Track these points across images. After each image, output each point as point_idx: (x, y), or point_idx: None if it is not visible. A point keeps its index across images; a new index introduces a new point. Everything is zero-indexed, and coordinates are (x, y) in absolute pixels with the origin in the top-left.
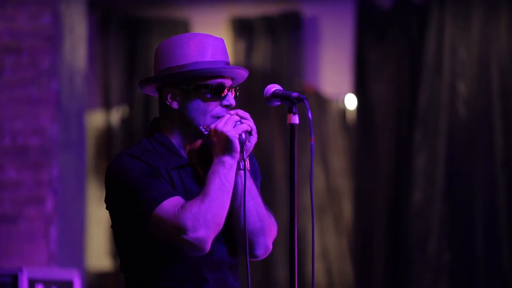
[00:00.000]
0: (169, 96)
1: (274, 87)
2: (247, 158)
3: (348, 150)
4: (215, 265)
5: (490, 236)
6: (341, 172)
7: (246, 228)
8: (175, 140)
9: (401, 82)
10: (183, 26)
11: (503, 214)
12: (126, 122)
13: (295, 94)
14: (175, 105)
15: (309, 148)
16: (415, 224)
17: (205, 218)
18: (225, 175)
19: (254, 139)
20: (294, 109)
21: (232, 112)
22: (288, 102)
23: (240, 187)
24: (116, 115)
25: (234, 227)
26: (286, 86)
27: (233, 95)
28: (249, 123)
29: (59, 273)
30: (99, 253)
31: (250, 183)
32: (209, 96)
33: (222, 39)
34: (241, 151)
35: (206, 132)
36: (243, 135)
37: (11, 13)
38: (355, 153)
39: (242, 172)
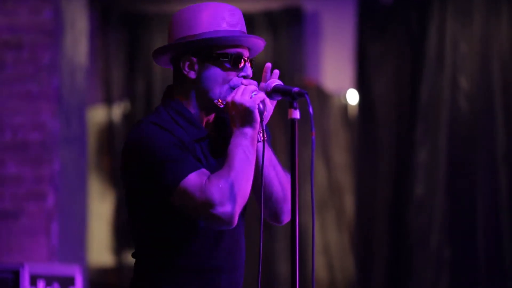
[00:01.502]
0: (187, 65)
1: (274, 82)
2: (265, 127)
3: (349, 145)
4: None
5: (492, 231)
6: (343, 167)
7: (268, 196)
8: (193, 111)
9: (403, 77)
10: None
11: (505, 209)
12: (127, 117)
13: (296, 89)
14: (192, 74)
15: (311, 143)
16: (416, 219)
17: (232, 192)
18: (248, 147)
19: (269, 107)
20: (295, 104)
21: (245, 82)
22: (289, 97)
23: (261, 157)
24: (117, 110)
25: (256, 198)
26: (287, 81)
27: (250, 65)
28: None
29: (60, 269)
30: (100, 248)
31: (270, 153)
32: (228, 65)
33: (239, 10)
34: (260, 122)
35: (222, 106)
36: (261, 105)
37: (11, 8)
38: (356, 148)
39: (261, 144)
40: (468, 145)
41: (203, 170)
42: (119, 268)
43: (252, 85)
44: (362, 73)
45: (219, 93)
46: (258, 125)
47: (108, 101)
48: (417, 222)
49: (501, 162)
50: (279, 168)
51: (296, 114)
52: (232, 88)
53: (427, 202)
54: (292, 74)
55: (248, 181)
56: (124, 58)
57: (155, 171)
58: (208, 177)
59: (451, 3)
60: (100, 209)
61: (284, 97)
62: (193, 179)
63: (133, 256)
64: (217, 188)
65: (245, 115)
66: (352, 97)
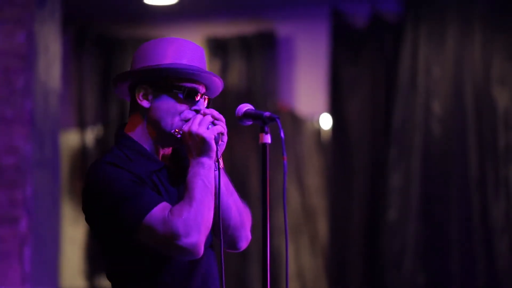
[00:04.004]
0: (141, 94)
1: (246, 107)
2: (220, 157)
3: (323, 169)
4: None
5: (466, 255)
6: (317, 191)
7: (226, 224)
8: (147, 144)
9: (376, 101)
10: None
11: (478, 232)
12: (100, 141)
13: (267, 114)
14: (145, 103)
15: (283, 167)
16: (390, 243)
17: (196, 222)
18: (206, 176)
19: (225, 138)
20: (266, 129)
21: (207, 111)
22: (260, 122)
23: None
24: (90, 135)
25: (214, 225)
26: (261, 105)
27: (205, 102)
28: (222, 125)
29: None
30: (73, 273)
31: (226, 180)
32: (181, 97)
33: (202, 48)
34: (216, 150)
35: (178, 136)
36: (217, 136)
37: None
38: (330, 172)
39: (217, 171)
40: (441, 169)
41: (164, 203)
42: None
43: (209, 116)
44: (335, 97)
45: (171, 124)
46: (214, 154)
47: (81, 125)
48: (390, 246)
49: (474, 186)
50: (235, 195)
51: (267, 139)
52: (184, 120)
53: (401, 226)
54: (266, 98)
55: (210, 210)
56: (97, 82)
57: (116, 211)
58: (170, 210)
59: (424, 27)
60: (73, 233)
61: (255, 121)
62: (155, 214)
63: (107, 277)
64: (180, 220)
65: (201, 145)
66: (326, 121)
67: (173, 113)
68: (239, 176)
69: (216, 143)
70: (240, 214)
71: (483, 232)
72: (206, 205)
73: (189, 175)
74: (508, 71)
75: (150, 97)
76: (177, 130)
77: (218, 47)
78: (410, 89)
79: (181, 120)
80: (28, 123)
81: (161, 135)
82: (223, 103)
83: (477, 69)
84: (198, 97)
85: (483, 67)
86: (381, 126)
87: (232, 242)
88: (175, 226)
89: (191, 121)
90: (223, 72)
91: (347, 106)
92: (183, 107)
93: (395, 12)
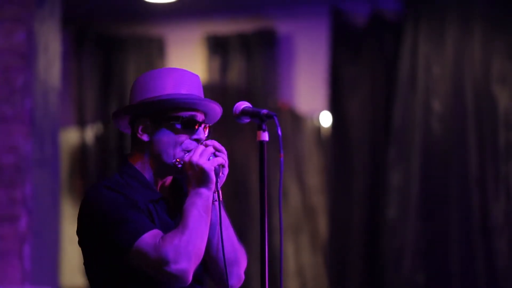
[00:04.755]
0: (140, 128)
1: (243, 105)
2: (220, 189)
3: (323, 167)
4: None
5: (465, 255)
6: (316, 189)
7: (218, 256)
8: (147, 174)
9: (376, 99)
10: (158, 44)
11: (478, 231)
12: (100, 139)
13: (264, 111)
14: (145, 137)
15: (280, 165)
16: (389, 242)
17: (186, 250)
18: (203, 207)
19: (226, 171)
20: (263, 126)
21: (209, 142)
22: (258, 119)
23: (215, 218)
24: (90, 133)
25: (208, 258)
26: (260, 104)
27: (205, 130)
28: (223, 157)
29: None
30: (73, 271)
31: (223, 214)
32: (179, 127)
33: (198, 76)
34: (216, 182)
35: (179, 165)
36: (217, 167)
37: None
38: (330, 171)
39: (216, 203)
40: (441, 167)
41: (156, 230)
42: None
43: (211, 147)
44: (335, 95)
45: (172, 155)
46: (213, 186)
47: (81, 123)
48: (390, 245)
49: (474, 184)
50: (231, 230)
51: (265, 136)
52: (186, 151)
53: (401, 224)
54: (266, 97)
55: (202, 239)
56: (97, 81)
57: (109, 233)
58: (162, 237)
59: (424, 26)
60: (73, 231)
61: (253, 119)
62: (147, 239)
63: None
64: (171, 246)
65: (201, 176)
66: (325, 119)
67: (174, 145)
68: (239, 175)
69: (217, 175)
70: (235, 250)
71: (483, 231)
72: (199, 234)
73: (186, 204)
74: (508, 70)
75: (149, 130)
76: (178, 160)
77: (218, 45)
78: (410, 88)
79: (183, 150)
80: (28, 122)
81: (162, 167)
82: (222, 102)
83: (477, 68)
84: (196, 126)
85: (483, 66)
86: (381, 125)
87: (222, 278)
88: (165, 252)
89: (192, 151)
90: (223, 71)
91: (347, 105)
92: (183, 137)
93: (395, 11)
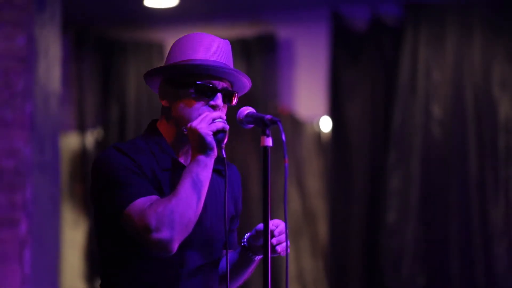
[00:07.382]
0: (162, 92)
1: (247, 110)
2: (225, 156)
3: (323, 172)
4: (190, 273)
5: (465, 258)
6: (316, 194)
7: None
8: (169, 139)
9: (376, 104)
10: (158, 49)
11: (478, 235)
12: (100, 144)
13: (268, 117)
14: (165, 102)
15: (284, 170)
16: (389, 246)
17: (170, 218)
18: (198, 174)
19: (225, 139)
20: (267, 132)
21: (218, 111)
22: (262, 125)
23: (215, 188)
24: (90, 137)
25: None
26: (261, 108)
27: (233, 98)
28: (224, 123)
29: None
30: (73, 276)
31: (250, 270)
32: (197, 94)
33: (228, 42)
34: (219, 151)
35: (185, 132)
36: (220, 134)
37: None
38: (330, 175)
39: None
40: (440, 172)
41: (153, 197)
42: None
43: (216, 114)
44: (335, 100)
45: (187, 122)
46: (213, 153)
47: (82, 127)
48: (390, 248)
49: (473, 188)
50: (246, 276)
51: (269, 142)
52: None
53: (400, 228)
54: (266, 101)
55: (190, 208)
56: (97, 85)
57: (106, 194)
58: (150, 203)
59: (424, 30)
60: (73, 236)
61: (257, 124)
62: (137, 205)
63: (100, 286)
64: (154, 214)
65: (199, 142)
66: (325, 124)
67: (190, 111)
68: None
69: (219, 142)
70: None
71: (482, 234)
72: (187, 202)
73: (184, 171)
74: (508, 74)
75: (168, 95)
76: (186, 126)
77: None
78: (410, 92)
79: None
80: (28, 126)
81: (178, 132)
82: None
83: (477, 72)
84: (211, 92)
85: (483, 70)
86: (381, 129)
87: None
88: (147, 219)
89: (197, 118)
90: None
91: (347, 109)
92: (199, 104)
93: (395, 16)
